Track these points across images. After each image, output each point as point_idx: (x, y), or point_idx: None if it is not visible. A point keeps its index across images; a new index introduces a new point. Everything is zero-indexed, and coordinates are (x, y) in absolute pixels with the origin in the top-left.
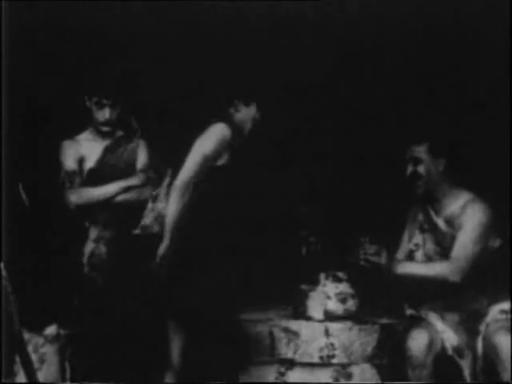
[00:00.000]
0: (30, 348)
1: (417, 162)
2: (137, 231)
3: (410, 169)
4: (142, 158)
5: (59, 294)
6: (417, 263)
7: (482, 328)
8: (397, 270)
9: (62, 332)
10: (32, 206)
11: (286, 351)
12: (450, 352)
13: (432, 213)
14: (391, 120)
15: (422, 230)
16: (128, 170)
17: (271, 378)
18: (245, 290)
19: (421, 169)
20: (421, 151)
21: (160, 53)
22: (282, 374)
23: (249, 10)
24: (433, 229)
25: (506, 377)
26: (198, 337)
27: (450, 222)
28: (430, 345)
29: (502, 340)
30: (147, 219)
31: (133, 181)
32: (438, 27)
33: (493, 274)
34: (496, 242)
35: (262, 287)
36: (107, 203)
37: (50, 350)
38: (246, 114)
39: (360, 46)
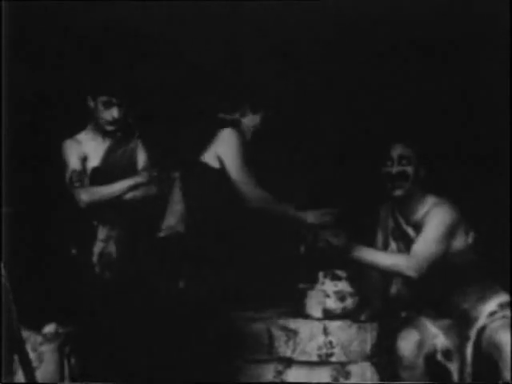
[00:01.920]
0: (28, 346)
1: (406, 161)
2: (161, 234)
3: (396, 168)
4: (142, 157)
5: (63, 292)
6: (375, 251)
7: (473, 333)
8: (354, 253)
9: (60, 330)
10: (35, 205)
11: (285, 350)
12: (438, 356)
13: (401, 220)
14: (385, 118)
15: (395, 238)
16: (129, 170)
17: (269, 376)
18: (243, 288)
19: (409, 169)
20: (410, 152)
21: (167, 52)
22: (281, 373)
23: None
24: (403, 237)
25: (508, 375)
26: (194, 335)
27: (417, 228)
28: (421, 345)
29: (506, 338)
30: (171, 220)
31: (139, 179)
32: (438, 29)
33: (475, 271)
34: (469, 238)
35: (260, 285)
36: (115, 202)
37: (48, 349)
38: (251, 120)
39: (358, 45)
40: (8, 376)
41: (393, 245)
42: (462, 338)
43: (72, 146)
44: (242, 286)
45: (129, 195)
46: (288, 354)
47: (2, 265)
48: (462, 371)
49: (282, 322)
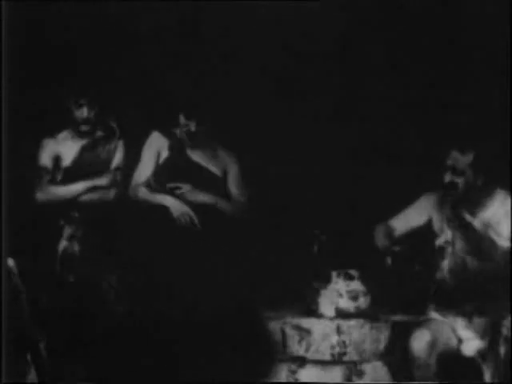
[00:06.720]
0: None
1: (458, 173)
2: None
3: (448, 177)
4: (117, 158)
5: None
6: None
7: (504, 330)
8: None
9: None
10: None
11: (298, 349)
12: (475, 356)
13: (464, 212)
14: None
15: (452, 226)
16: (103, 170)
17: (283, 375)
18: (257, 287)
19: (460, 180)
20: (464, 162)
21: (139, 54)
22: (294, 372)
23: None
24: (465, 228)
25: None
26: (209, 337)
27: (488, 224)
28: (433, 344)
29: None
30: None
31: (99, 181)
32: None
33: None
34: None
35: (273, 285)
36: (77, 202)
37: None
38: None
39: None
40: (21, 376)
41: (448, 233)
42: (496, 336)
43: (48, 144)
44: (256, 285)
45: (85, 196)
46: (301, 353)
47: (13, 263)
48: (496, 369)
49: (295, 321)
